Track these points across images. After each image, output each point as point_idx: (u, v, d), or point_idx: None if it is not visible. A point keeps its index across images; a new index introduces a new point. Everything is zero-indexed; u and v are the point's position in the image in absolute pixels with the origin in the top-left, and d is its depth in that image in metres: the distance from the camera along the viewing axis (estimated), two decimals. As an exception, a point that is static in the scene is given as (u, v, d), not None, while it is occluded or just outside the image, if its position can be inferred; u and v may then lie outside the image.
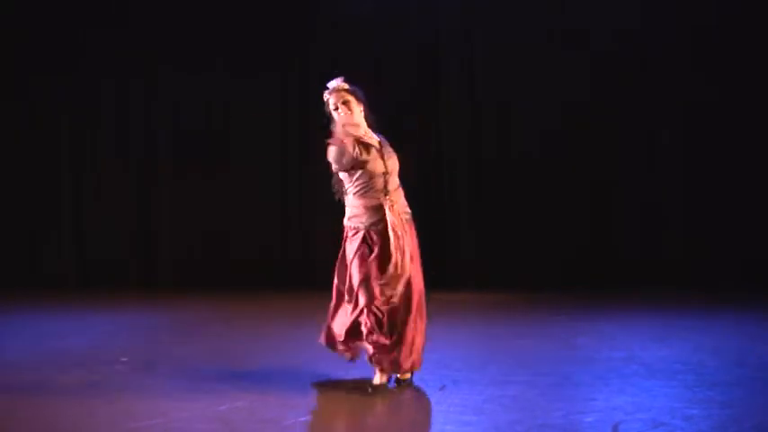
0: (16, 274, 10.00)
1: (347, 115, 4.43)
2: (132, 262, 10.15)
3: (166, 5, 9.95)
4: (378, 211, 4.41)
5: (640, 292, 8.71)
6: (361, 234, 4.43)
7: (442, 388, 4.44)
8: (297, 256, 9.81)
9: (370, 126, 4.53)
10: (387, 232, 4.36)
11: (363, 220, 4.43)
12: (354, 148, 4.39)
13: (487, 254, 9.47)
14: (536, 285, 9.10)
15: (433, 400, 4.29)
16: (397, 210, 4.45)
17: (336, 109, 4.44)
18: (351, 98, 4.44)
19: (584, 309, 7.81)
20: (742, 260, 9.02)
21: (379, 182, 4.44)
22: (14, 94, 10.16)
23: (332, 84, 4.48)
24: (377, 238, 4.39)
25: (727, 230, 9.13)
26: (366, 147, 4.44)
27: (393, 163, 4.52)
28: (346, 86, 4.46)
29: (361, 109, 4.48)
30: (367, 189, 4.43)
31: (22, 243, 10.23)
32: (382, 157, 4.45)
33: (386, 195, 4.43)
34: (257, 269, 9.76)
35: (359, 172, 4.43)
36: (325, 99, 4.49)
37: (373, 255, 4.39)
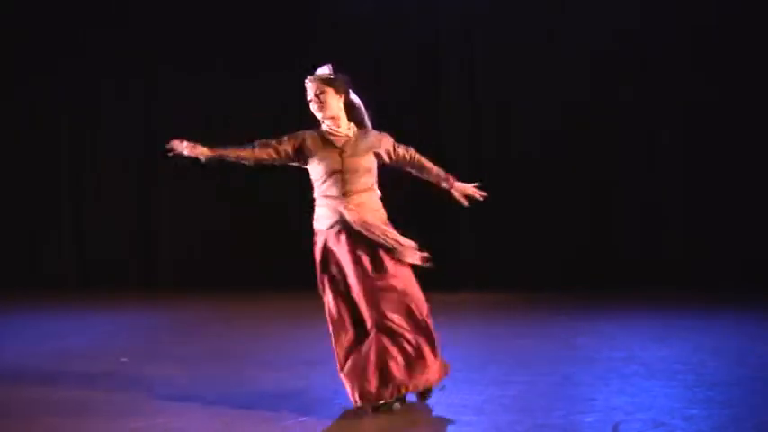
0: (16, 274, 10.01)
1: (320, 108, 4.15)
2: (132, 262, 10.16)
3: (166, 5, 9.96)
4: (335, 213, 4.07)
5: (640, 292, 8.70)
6: (321, 241, 4.13)
7: (442, 388, 4.42)
8: (297, 255, 9.78)
9: (353, 119, 4.24)
10: (349, 233, 4.03)
11: (323, 222, 4.13)
12: (302, 143, 4.14)
13: (487, 254, 9.46)
14: (536, 285, 9.09)
15: (432, 400, 4.28)
16: (356, 207, 4.03)
17: (311, 100, 4.18)
18: (328, 89, 4.15)
19: (584, 309, 7.81)
20: (742, 260, 9.02)
21: (337, 180, 4.08)
22: (14, 94, 10.17)
23: (318, 71, 4.24)
24: (335, 244, 4.07)
25: (727, 230, 9.13)
26: (324, 141, 4.15)
27: (355, 162, 4.09)
28: (327, 76, 4.20)
29: (341, 100, 4.19)
30: (326, 187, 4.12)
31: (22, 243, 10.24)
32: (340, 154, 4.11)
33: (344, 196, 4.07)
34: (257, 269, 9.76)
35: (313, 168, 4.15)
36: (306, 87, 4.23)
37: (341, 266, 4.08)
